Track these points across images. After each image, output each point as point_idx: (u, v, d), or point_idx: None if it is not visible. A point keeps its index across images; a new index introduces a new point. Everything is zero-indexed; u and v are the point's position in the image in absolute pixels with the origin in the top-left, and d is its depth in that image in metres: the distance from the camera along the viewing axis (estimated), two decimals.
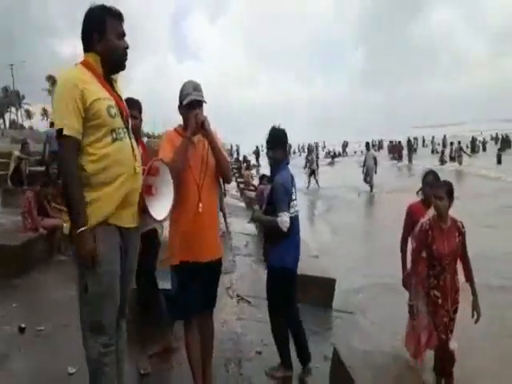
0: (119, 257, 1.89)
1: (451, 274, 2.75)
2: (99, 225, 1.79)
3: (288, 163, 3.13)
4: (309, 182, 16.60)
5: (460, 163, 22.95)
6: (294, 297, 3.09)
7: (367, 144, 16.51)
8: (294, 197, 2.98)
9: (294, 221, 2.92)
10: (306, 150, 25.90)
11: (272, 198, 2.95)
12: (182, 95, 2.36)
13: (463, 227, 2.76)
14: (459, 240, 2.72)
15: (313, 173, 16.70)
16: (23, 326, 3.25)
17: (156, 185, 2.03)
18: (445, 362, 2.74)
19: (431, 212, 2.83)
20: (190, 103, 2.31)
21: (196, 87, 2.35)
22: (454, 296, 2.77)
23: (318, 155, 27.60)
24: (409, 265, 3.13)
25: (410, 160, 26.89)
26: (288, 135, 3.06)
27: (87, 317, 1.87)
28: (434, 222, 2.75)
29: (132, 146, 1.93)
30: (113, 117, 1.85)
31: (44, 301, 3.87)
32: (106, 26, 1.86)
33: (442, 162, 24.58)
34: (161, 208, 2.02)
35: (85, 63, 1.88)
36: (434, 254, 2.72)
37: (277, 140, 3.03)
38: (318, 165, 18.48)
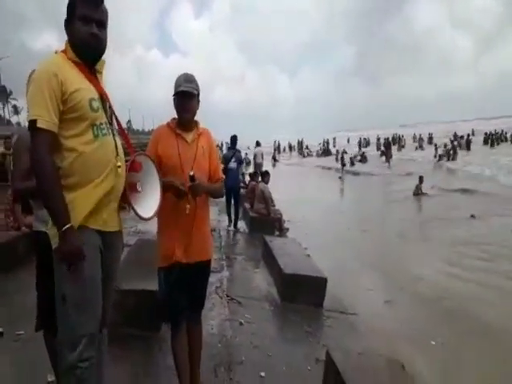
0: (100, 262, 1.71)
1: None
2: (78, 228, 1.60)
3: (234, 148, 8.08)
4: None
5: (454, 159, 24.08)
6: (235, 199, 8.09)
7: (257, 142, 16.78)
8: (233, 160, 7.85)
9: (229, 170, 7.59)
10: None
11: None
12: (175, 87, 2.25)
13: None
14: None
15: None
16: (1, 330, 3.10)
17: (141, 181, 1.86)
18: None
19: None
20: (180, 94, 2.20)
21: (187, 79, 2.24)
22: None
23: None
24: None
25: (387, 159, 26.24)
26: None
27: (65, 329, 1.65)
28: None
29: (116, 145, 1.75)
30: (95, 110, 1.66)
31: (25, 303, 3.66)
32: (75, 11, 1.67)
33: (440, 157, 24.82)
34: (148, 206, 1.85)
35: (65, 51, 1.70)
36: None
37: (231, 140, 8.39)
38: None
